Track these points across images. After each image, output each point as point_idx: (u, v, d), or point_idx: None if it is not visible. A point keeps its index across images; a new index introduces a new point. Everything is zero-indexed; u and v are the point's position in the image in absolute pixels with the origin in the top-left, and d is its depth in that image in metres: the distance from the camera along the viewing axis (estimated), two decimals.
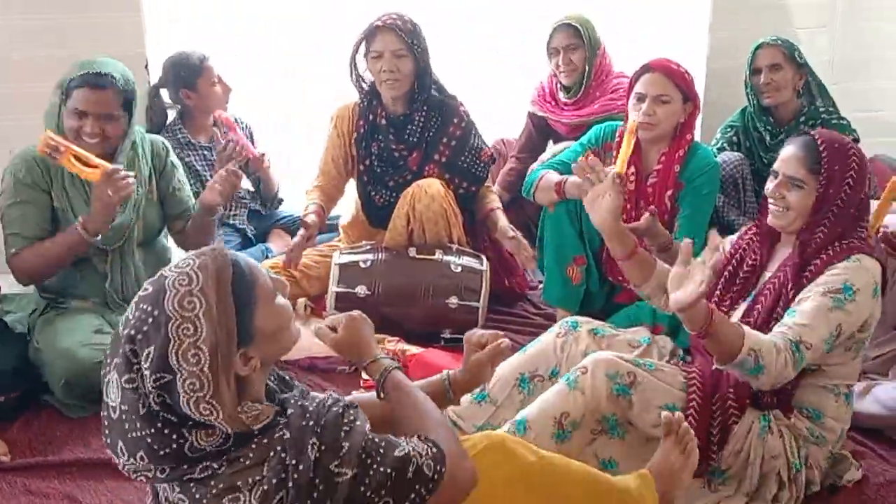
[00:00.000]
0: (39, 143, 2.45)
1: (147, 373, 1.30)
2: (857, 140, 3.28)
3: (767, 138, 3.32)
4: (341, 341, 1.65)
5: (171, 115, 3.53)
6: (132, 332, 1.32)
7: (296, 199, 3.77)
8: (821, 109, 3.32)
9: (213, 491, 1.34)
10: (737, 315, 2.16)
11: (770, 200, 2.12)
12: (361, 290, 2.96)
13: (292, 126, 4.16)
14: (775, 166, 2.13)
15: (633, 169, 2.85)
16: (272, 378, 1.53)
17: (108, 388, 1.35)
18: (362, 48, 3.07)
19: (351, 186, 3.34)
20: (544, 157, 3.50)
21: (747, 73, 3.35)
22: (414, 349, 2.79)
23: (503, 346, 1.77)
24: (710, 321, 1.85)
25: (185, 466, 1.35)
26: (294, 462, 1.34)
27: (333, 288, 2.98)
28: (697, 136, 3.02)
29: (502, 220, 3.12)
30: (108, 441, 1.37)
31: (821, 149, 2.04)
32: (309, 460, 1.34)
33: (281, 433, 1.37)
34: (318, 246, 3.28)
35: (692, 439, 1.86)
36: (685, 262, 1.87)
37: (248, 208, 3.68)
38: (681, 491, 1.87)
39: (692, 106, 2.80)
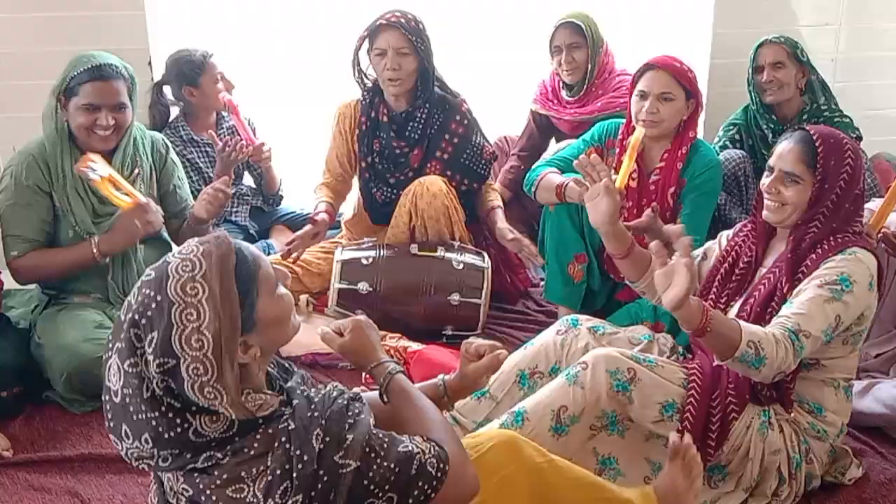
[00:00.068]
0: (79, 162, 2.48)
1: (150, 357, 1.30)
2: (859, 138, 3.28)
3: (770, 136, 3.32)
4: (347, 346, 1.66)
5: (174, 112, 3.53)
6: (136, 316, 1.32)
7: (299, 195, 3.78)
8: (823, 107, 3.32)
9: (217, 482, 1.34)
10: (733, 311, 2.17)
11: (766, 196, 2.13)
12: (363, 286, 2.96)
13: (295, 122, 4.15)
14: (771, 162, 2.14)
15: (635, 166, 2.85)
16: (272, 364, 1.53)
17: (110, 373, 1.35)
18: (365, 45, 3.07)
19: (354, 182, 3.35)
20: (548, 154, 3.49)
21: (750, 70, 3.34)
22: (415, 346, 2.79)
23: (501, 357, 1.76)
24: (705, 319, 1.85)
25: (189, 455, 1.35)
26: (298, 453, 1.34)
27: (335, 284, 2.98)
28: (700, 134, 3.01)
29: (501, 222, 3.12)
30: (111, 425, 1.36)
31: (817, 144, 2.05)
32: (313, 451, 1.35)
33: (286, 424, 1.37)
34: (321, 242, 3.29)
35: (698, 464, 1.86)
36: (663, 263, 1.86)
37: (250, 205, 3.68)
38: None
39: (695, 103, 2.80)
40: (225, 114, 3.53)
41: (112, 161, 2.63)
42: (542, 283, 3.24)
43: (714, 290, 2.23)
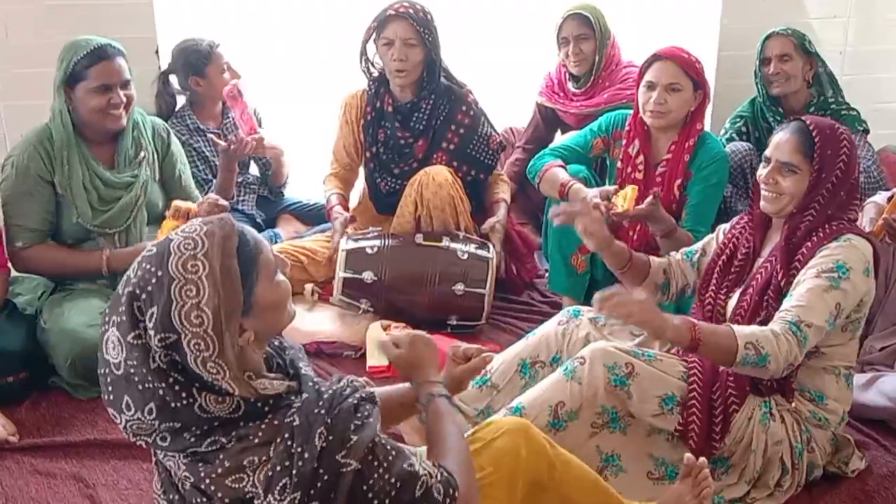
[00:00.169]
0: (178, 205, 2.61)
1: (152, 332, 1.31)
2: (866, 131, 3.28)
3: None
4: (402, 358, 1.67)
5: (180, 101, 3.54)
6: (136, 290, 1.33)
7: (305, 184, 3.78)
8: (830, 100, 3.31)
9: (219, 470, 1.34)
10: (732, 302, 2.18)
11: (763, 186, 2.14)
12: (368, 275, 2.97)
13: (302, 112, 4.15)
14: (767, 153, 2.15)
15: (641, 158, 2.85)
16: (277, 349, 1.53)
17: (108, 346, 1.35)
18: (373, 35, 3.07)
19: (361, 171, 3.35)
20: (554, 143, 3.49)
21: (757, 62, 3.33)
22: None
23: (488, 359, 1.80)
24: (694, 333, 1.88)
25: (192, 438, 1.35)
26: (300, 450, 1.33)
27: (340, 273, 2.98)
28: (707, 126, 3.01)
29: (497, 215, 3.13)
30: (111, 398, 1.36)
31: (813, 134, 2.06)
32: (315, 449, 1.33)
33: (291, 419, 1.36)
34: (327, 232, 3.29)
35: (709, 485, 1.86)
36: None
37: (257, 194, 3.68)
38: None
39: (702, 95, 2.79)
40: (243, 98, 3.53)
41: (118, 143, 2.65)
42: (546, 273, 3.24)
43: (713, 282, 2.24)
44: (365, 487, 1.36)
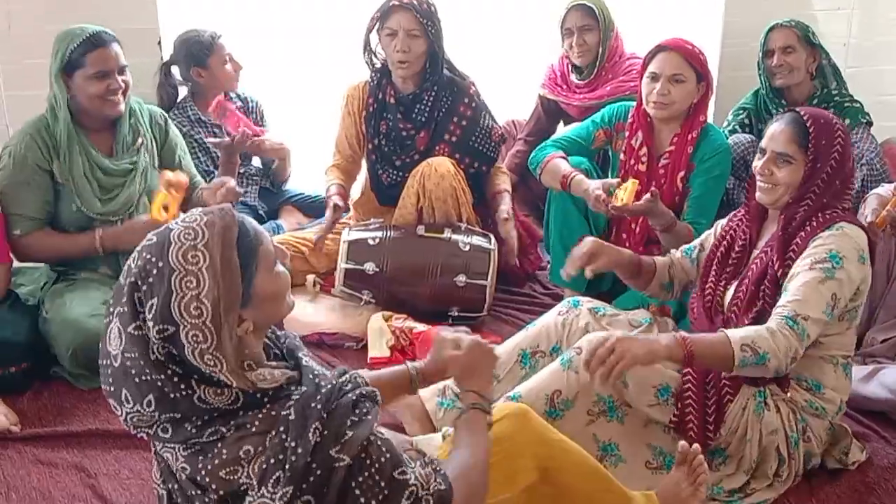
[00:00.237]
0: (175, 175, 2.61)
1: (151, 324, 1.31)
2: (870, 123, 3.27)
3: None
4: (456, 360, 1.65)
5: (182, 93, 3.54)
6: (138, 281, 1.33)
7: (308, 176, 3.78)
8: (834, 92, 3.30)
9: (216, 461, 1.34)
10: (729, 294, 2.19)
11: (758, 177, 2.15)
12: (370, 266, 2.96)
13: (304, 103, 4.15)
14: (763, 144, 2.16)
15: (644, 150, 2.85)
16: (273, 339, 1.54)
17: (110, 336, 1.35)
18: (377, 25, 3.06)
19: (362, 163, 3.35)
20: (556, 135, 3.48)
21: (760, 54, 3.32)
22: (421, 327, 2.79)
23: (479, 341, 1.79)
24: (686, 347, 1.89)
25: (193, 429, 1.35)
26: (293, 445, 1.33)
27: (342, 264, 2.98)
28: (710, 118, 3.00)
29: (503, 205, 3.13)
30: (111, 389, 1.36)
31: (808, 124, 2.08)
32: (308, 444, 1.33)
33: (287, 412, 1.36)
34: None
35: (704, 471, 1.87)
36: None
37: (259, 185, 3.69)
38: None
39: (705, 87, 2.79)
40: (233, 94, 3.53)
41: (116, 131, 2.67)
42: (548, 265, 3.24)
43: (712, 274, 2.25)
44: (354, 484, 1.36)
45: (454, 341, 1.68)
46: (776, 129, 2.13)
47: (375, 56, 3.16)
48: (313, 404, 1.37)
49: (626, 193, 2.61)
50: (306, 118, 4.06)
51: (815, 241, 2.03)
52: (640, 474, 2.03)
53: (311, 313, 2.97)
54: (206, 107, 3.45)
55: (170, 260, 1.31)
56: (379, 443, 1.40)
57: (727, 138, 3.15)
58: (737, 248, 2.22)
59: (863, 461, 2.21)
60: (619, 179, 2.77)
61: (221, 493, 1.34)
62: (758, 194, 2.16)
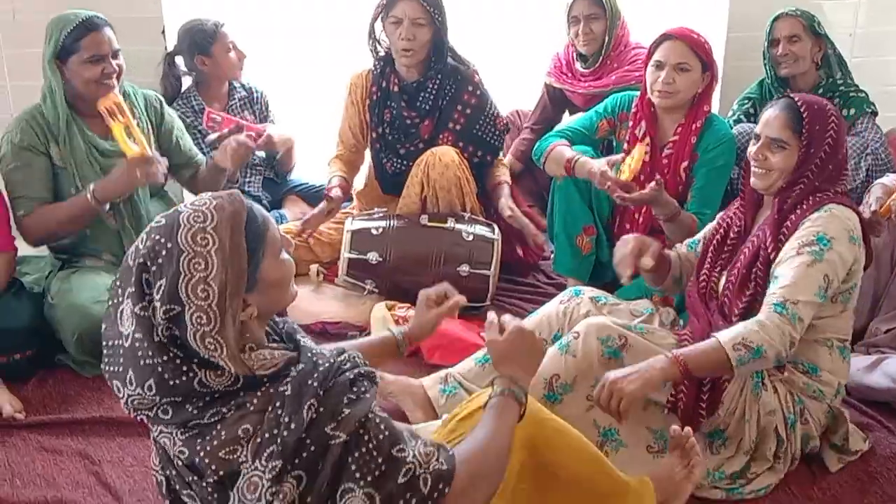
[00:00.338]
0: (105, 100, 2.54)
1: (158, 304, 1.32)
2: (875, 113, 3.25)
3: None
4: (497, 346, 1.61)
5: (185, 84, 3.54)
6: (147, 262, 1.33)
7: (311, 165, 3.79)
8: (839, 82, 3.29)
9: (214, 442, 1.34)
10: (723, 280, 2.20)
11: (753, 163, 2.17)
12: (373, 256, 2.97)
13: (307, 93, 4.15)
14: (757, 130, 2.19)
15: (647, 140, 2.84)
16: (272, 325, 1.54)
17: (122, 317, 1.35)
18: (382, 13, 3.06)
19: (366, 153, 3.35)
20: (561, 125, 3.48)
21: (765, 44, 3.31)
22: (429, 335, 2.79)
23: (460, 301, 1.87)
24: (680, 365, 1.91)
25: (194, 410, 1.36)
26: (287, 420, 1.33)
27: (345, 254, 2.99)
28: (715, 108, 3.00)
29: (504, 198, 3.12)
30: (117, 370, 1.37)
31: (802, 110, 2.09)
32: (302, 420, 1.33)
33: (284, 388, 1.37)
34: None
35: (697, 454, 1.88)
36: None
37: (263, 175, 3.69)
38: (681, 502, 1.88)
39: (710, 76, 2.78)
40: (237, 84, 3.54)
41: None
42: (551, 255, 3.24)
43: (708, 260, 2.27)
44: (350, 460, 1.36)
45: (500, 326, 1.64)
46: (770, 115, 2.15)
47: (379, 44, 3.15)
48: (310, 381, 1.38)
49: (633, 160, 2.61)
50: (310, 108, 4.06)
51: (805, 224, 2.04)
52: (642, 459, 2.04)
53: (314, 303, 2.98)
54: (211, 96, 3.47)
55: (179, 241, 1.32)
56: (377, 420, 1.40)
57: (732, 128, 3.14)
58: (732, 235, 2.24)
59: (865, 451, 2.21)
60: (623, 155, 2.76)
61: (221, 473, 1.34)
62: (752, 180, 2.18)
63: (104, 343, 1.39)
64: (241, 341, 1.37)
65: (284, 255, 1.47)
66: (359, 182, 3.41)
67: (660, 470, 1.88)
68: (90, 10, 2.63)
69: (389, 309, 2.85)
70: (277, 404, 1.35)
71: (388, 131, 3.19)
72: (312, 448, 1.34)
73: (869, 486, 2.12)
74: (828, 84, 3.28)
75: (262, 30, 3.99)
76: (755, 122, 3.34)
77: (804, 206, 2.08)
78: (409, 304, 2.88)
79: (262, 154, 3.68)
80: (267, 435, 1.33)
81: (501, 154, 3.35)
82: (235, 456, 1.34)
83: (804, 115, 2.08)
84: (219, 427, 1.35)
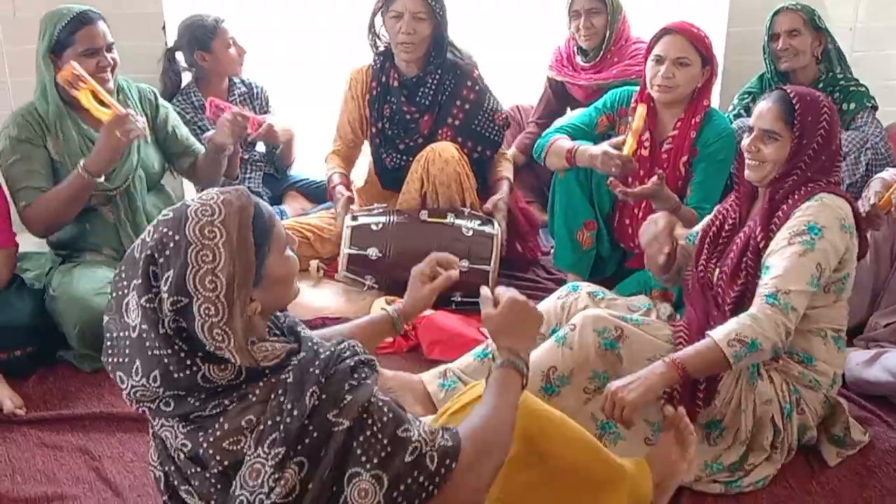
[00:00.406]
0: (63, 72, 2.52)
1: (165, 296, 1.33)
2: (875, 108, 3.25)
3: None
4: (493, 318, 1.60)
5: (185, 80, 3.54)
6: (154, 254, 1.34)
7: (311, 161, 3.79)
8: (839, 76, 3.28)
9: (218, 433, 1.35)
10: (717, 272, 2.21)
11: (746, 154, 2.18)
12: (373, 252, 2.97)
13: (307, 88, 4.15)
14: (750, 122, 2.19)
15: (647, 135, 2.84)
16: (274, 320, 1.55)
17: (128, 308, 1.36)
18: (382, 7, 3.05)
19: (365, 148, 3.35)
20: (560, 121, 3.48)
21: (766, 38, 3.31)
22: (424, 311, 2.79)
23: (453, 276, 1.85)
24: (678, 369, 1.92)
25: (196, 403, 1.37)
26: (289, 407, 1.34)
27: (345, 250, 2.99)
28: (716, 102, 2.99)
29: (499, 193, 3.13)
30: (123, 361, 1.37)
31: (794, 101, 2.10)
32: (304, 407, 1.34)
33: (286, 376, 1.38)
34: (332, 209, 3.30)
35: (691, 434, 1.89)
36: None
37: (263, 171, 3.69)
38: (676, 481, 1.89)
39: (710, 71, 2.78)
40: (237, 80, 3.54)
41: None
42: (552, 250, 3.24)
43: (704, 252, 2.27)
44: (355, 444, 1.36)
45: (494, 299, 1.63)
46: (763, 107, 2.16)
47: (379, 39, 3.15)
48: (311, 369, 1.39)
49: (636, 121, 2.65)
50: (310, 105, 4.06)
51: (796, 213, 2.05)
52: (640, 451, 2.04)
53: (314, 298, 2.98)
54: (210, 92, 3.46)
55: (187, 234, 1.33)
56: (380, 404, 1.40)
57: (732, 122, 3.14)
58: (727, 227, 2.25)
59: (864, 445, 2.21)
60: (622, 137, 2.76)
61: (226, 463, 1.35)
62: (746, 172, 2.19)
63: (106, 335, 1.40)
64: (246, 335, 1.38)
65: (289, 252, 1.48)
66: (359, 179, 3.41)
67: (656, 451, 1.89)
68: (86, 6, 2.63)
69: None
70: (280, 392, 1.36)
71: (387, 126, 3.19)
72: (315, 434, 1.35)
73: (868, 480, 2.12)
74: (828, 78, 3.28)
75: (261, 26, 3.99)
76: None
77: (796, 197, 2.09)
78: None
79: (262, 150, 3.68)
80: (269, 422, 1.34)
81: (504, 148, 3.35)
82: (239, 446, 1.35)
83: (796, 107, 2.09)
84: (221, 419, 1.36)
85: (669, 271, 2.37)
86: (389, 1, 3.02)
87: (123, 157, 2.68)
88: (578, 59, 3.61)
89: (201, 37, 3.37)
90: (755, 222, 2.14)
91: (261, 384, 1.38)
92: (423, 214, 3.04)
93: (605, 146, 2.69)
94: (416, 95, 3.14)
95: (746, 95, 3.44)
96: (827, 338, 2.13)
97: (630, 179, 2.83)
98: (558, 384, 2.07)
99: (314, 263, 3.16)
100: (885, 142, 3.17)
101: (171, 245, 1.33)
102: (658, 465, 1.85)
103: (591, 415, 2.06)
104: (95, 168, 2.55)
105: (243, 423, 1.35)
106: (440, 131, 3.13)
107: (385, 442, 1.37)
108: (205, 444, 1.36)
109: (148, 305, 1.34)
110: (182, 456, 1.40)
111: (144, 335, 1.34)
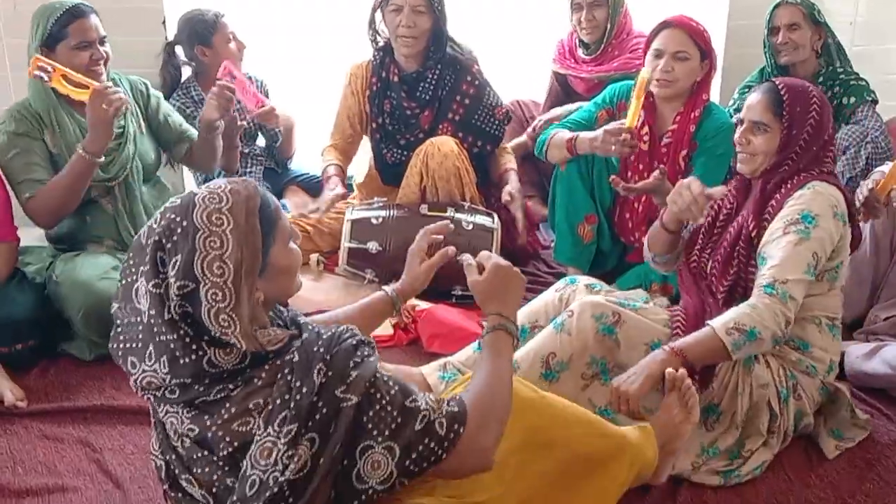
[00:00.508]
0: (30, 66, 2.52)
1: (172, 280, 1.34)
2: (875, 102, 3.25)
3: None
4: (479, 285, 1.61)
5: (185, 74, 3.54)
6: (162, 240, 1.35)
7: (312, 156, 3.78)
8: (839, 70, 3.29)
9: (225, 416, 1.36)
10: (710, 261, 2.22)
11: (737, 147, 2.19)
12: (373, 245, 2.97)
13: (306, 83, 4.16)
14: (741, 115, 2.21)
15: (646, 129, 2.84)
16: (276, 311, 1.56)
17: (137, 295, 1.38)
18: (382, 2, 3.05)
19: (365, 143, 3.35)
20: (558, 112, 3.47)
21: (766, 32, 3.31)
22: (424, 304, 2.80)
23: (450, 253, 1.86)
24: (677, 355, 1.94)
25: (200, 388, 1.38)
26: (298, 384, 1.36)
27: (345, 243, 3.00)
28: (716, 96, 2.99)
29: (509, 184, 3.13)
30: (132, 346, 1.39)
31: (782, 92, 2.12)
32: (313, 384, 1.36)
33: (291, 356, 1.40)
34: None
35: (693, 395, 1.91)
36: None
37: (264, 166, 3.69)
38: (681, 443, 1.92)
39: (709, 65, 2.78)
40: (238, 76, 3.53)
41: None
42: (552, 244, 3.24)
43: (698, 243, 2.29)
44: (365, 419, 1.38)
45: (478, 266, 1.65)
46: (753, 100, 2.17)
47: (379, 34, 3.15)
48: (315, 348, 1.40)
49: (641, 85, 2.66)
50: (310, 99, 4.06)
51: (789, 202, 2.06)
52: None
53: (314, 292, 2.99)
54: (210, 86, 3.45)
55: (195, 220, 1.34)
56: (385, 378, 1.42)
57: (732, 116, 3.14)
58: (721, 218, 2.26)
59: (864, 437, 2.21)
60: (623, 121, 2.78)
61: (235, 444, 1.36)
62: (738, 165, 2.21)
63: (115, 321, 1.41)
64: (252, 322, 1.39)
65: (293, 245, 1.50)
66: (360, 175, 3.42)
67: (659, 414, 1.91)
68: (82, 0, 2.63)
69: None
70: (286, 371, 1.38)
71: (388, 122, 3.19)
72: (325, 410, 1.36)
73: (867, 473, 2.12)
74: (828, 72, 3.29)
75: (261, 21, 3.99)
76: None
77: (788, 186, 2.10)
78: None
79: (262, 143, 3.68)
80: (278, 401, 1.35)
81: (506, 141, 3.35)
82: (248, 427, 1.36)
83: (784, 98, 2.11)
84: (227, 403, 1.37)
85: (671, 252, 2.36)
86: None
87: (121, 147, 2.69)
88: (580, 52, 3.62)
89: (201, 31, 3.38)
90: (748, 211, 2.15)
91: (266, 368, 1.39)
92: (423, 208, 3.04)
93: (606, 126, 2.69)
94: (417, 91, 3.14)
95: (747, 89, 3.44)
96: (822, 325, 2.15)
97: (630, 174, 2.84)
98: (558, 370, 2.08)
99: (314, 257, 3.17)
100: (885, 136, 3.17)
101: (179, 231, 1.35)
102: (662, 429, 1.87)
103: (588, 401, 2.07)
104: (94, 147, 2.55)
105: (251, 405, 1.36)
106: (440, 126, 3.13)
107: (395, 414, 1.39)
108: (213, 428, 1.37)
109: (155, 291, 1.35)
110: (188, 441, 1.41)
111: (153, 321, 1.35)
